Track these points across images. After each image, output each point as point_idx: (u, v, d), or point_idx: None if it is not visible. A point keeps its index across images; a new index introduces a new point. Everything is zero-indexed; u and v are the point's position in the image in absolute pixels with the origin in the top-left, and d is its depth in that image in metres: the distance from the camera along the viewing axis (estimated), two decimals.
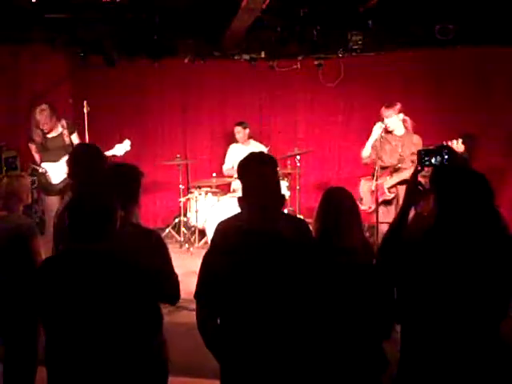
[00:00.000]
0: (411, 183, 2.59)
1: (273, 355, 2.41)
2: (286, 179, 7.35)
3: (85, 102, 6.12)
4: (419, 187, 2.56)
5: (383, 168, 5.50)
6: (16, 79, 7.04)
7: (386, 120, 5.46)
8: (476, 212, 2.34)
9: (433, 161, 2.63)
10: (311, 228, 3.07)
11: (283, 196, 2.81)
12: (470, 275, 2.27)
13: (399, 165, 5.49)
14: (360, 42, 6.65)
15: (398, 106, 5.53)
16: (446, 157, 2.59)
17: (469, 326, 2.29)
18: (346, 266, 2.38)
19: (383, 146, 5.44)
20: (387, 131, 5.52)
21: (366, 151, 5.59)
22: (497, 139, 7.31)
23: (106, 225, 2.41)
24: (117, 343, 2.34)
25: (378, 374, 2.41)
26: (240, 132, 7.43)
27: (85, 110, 6.10)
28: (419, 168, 2.65)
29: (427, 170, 2.66)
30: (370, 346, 2.38)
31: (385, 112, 5.50)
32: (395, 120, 5.50)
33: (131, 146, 6.48)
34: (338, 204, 2.49)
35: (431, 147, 2.76)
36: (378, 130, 5.45)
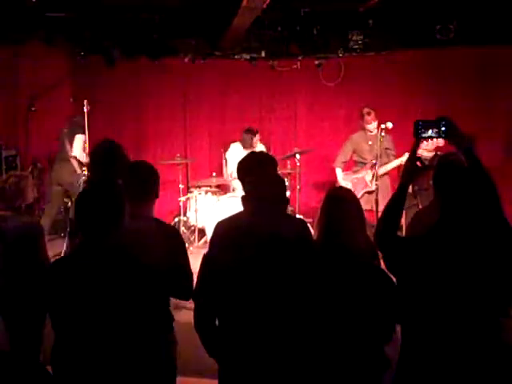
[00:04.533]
0: (410, 158, 2.50)
1: (272, 355, 2.40)
2: (286, 179, 7.35)
3: (85, 102, 6.12)
4: (417, 163, 2.48)
5: (363, 163, 6.49)
6: (16, 78, 7.05)
7: (369, 126, 6.44)
8: (478, 211, 2.34)
9: (429, 132, 2.48)
10: (311, 228, 3.08)
11: (287, 199, 2.79)
12: (472, 273, 2.27)
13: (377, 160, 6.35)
14: (360, 42, 6.67)
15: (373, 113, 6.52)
16: (444, 129, 2.46)
17: (470, 325, 2.29)
18: (350, 267, 2.37)
19: (364, 145, 6.46)
20: (364, 131, 6.52)
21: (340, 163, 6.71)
22: (497, 139, 7.31)
23: (114, 218, 2.40)
24: (126, 340, 2.34)
25: (378, 373, 2.41)
26: (257, 141, 7.28)
27: (85, 109, 6.09)
28: (415, 140, 2.52)
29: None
30: (371, 347, 2.38)
31: (369, 117, 6.46)
32: (374, 125, 6.40)
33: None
34: (343, 205, 2.47)
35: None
36: (352, 144, 6.60)
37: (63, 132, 6.49)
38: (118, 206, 2.42)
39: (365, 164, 6.48)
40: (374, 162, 6.29)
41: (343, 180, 6.69)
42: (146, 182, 2.95)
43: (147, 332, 2.40)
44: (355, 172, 6.66)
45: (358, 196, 6.23)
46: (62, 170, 6.48)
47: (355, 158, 6.64)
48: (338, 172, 6.76)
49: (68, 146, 6.38)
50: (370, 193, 6.29)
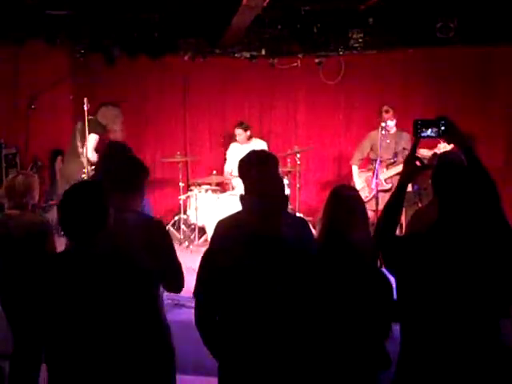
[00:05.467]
0: (409, 157, 2.51)
1: (272, 353, 2.41)
2: (285, 177, 7.34)
3: (85, 100, 6.11)
4: (417, 162, 2.49)
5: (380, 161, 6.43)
6: (16, 77, 7.04)
7: (388, 122, 6.44)
8: (478, 210, 2.34)
9: (429, 132, 2.50)
10: (311, 226, 3.08)
11: (286, 197, 2.79)
12: (471, 272, 2.27)
13: (394, 159, 6.52)
14: (360, 40, 6.66)
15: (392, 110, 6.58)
16: (443, 128, 2.47)
17: (469, 325, 2.29)
18: (350, 266, 2.37)
19: (381, 143, 6.33)
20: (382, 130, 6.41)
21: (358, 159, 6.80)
22: (497, 139, 7.31)
23: (96, 223, 2.34)
24: (118, 338, 2.32)
25: (380, 371, 2.41)
26: (241, 134, 7.30)
27: (85, 108, 6.09)
28: (415, 139, 2.53)
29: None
30: (370, 343, 2.39)
31: (386, 115, 6.47)
32: (393, 122, 6.51)
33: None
34: (349, 203, 2.47)
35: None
36: (370, 141, 6.58)
37: (76, 128, 6.51)
38: (100, 210, 2.35)
39: (381, 162, 6.47)
40: (392, 160, 6.45)
41: (358, 178, 6.76)
42: (133, 175, 2.97)
43: (135, 326, 2.36)
44: (370, 170, 6.72)
45: (372, 194, 6.46)
46: (71, 167, 6.52)
47: (372, 155, 6.68)
48: (354, 170, 6.84)
49: (79, 143, 6.39)
50: (384, 191, 6.35)
